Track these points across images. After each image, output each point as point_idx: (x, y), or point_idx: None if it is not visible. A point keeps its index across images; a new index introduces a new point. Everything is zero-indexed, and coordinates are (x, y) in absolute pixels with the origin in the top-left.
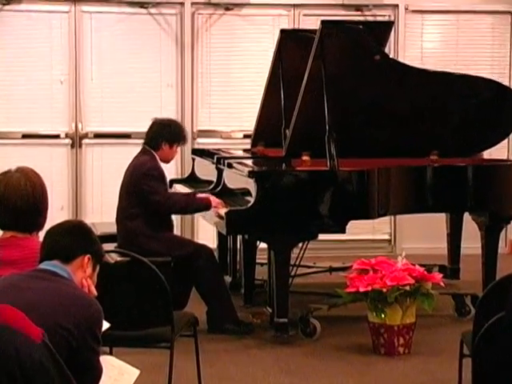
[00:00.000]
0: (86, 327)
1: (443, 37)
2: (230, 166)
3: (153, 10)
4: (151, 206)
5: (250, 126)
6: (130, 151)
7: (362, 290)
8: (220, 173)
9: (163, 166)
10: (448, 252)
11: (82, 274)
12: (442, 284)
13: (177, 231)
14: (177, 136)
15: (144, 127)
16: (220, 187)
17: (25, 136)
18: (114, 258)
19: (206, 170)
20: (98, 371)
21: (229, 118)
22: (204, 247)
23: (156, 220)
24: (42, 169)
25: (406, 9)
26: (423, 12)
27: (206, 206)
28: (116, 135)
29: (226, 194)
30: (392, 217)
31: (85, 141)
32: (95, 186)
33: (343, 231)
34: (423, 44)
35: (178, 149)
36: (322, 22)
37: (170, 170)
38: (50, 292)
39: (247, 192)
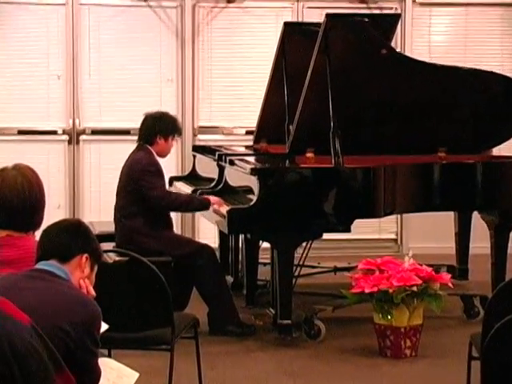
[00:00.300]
0: (83, 329)
1: (452, 30)
2: (231, 163)
3: (152, 3)
4: (151, 202)
5: (252, 122)
6: (129, 148)
7: (367, 290)
8: (221, 170)
9: (161, 161)
10: (456, 252)
11: (80, 274)
12: (450, 285)
13: (177, 230)
14: (170, 128)
15: None
16: (221, 185)
17: (21, 132)
18: (112, 257)
19: (207, 167)
20: (96, 374)
21: (231, 114)
22: (205, 246)
23: (155, 218)
24: (39, 166)
25: (414, 1)
26: (431, 4)
27: (206, 205)
28: (114, 131)
29: (227, 191)
30: (399, 215)
31: (82, 137)
32: (93, 183)
33: (348, 230)
34: (431, 37)
35: (175, 142)
36: (327, 14)
37: (171, 167)
38: (47, 292)
39: (249, 190)
